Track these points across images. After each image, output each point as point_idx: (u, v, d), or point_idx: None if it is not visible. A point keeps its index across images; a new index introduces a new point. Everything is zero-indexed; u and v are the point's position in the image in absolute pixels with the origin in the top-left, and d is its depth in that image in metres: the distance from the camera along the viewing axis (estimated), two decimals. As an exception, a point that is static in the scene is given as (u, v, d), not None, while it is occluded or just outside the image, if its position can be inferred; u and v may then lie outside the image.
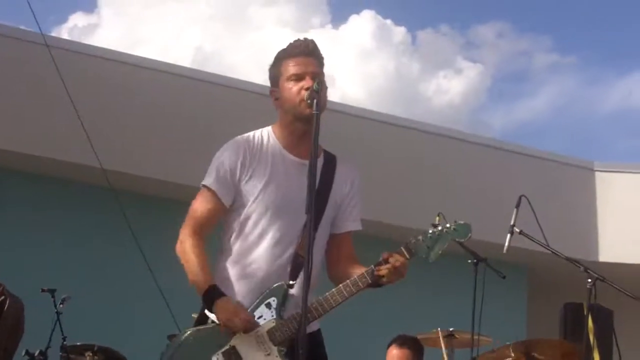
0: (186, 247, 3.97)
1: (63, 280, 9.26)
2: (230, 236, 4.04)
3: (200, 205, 4.03)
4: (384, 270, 3.84)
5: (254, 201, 3.98)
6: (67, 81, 9.36)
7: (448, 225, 3.98)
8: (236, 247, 4.01)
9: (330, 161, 4.12)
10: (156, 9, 26.47)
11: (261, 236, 3.96)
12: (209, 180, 4.03)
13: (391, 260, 3.85)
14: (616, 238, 13.56)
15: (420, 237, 3.94)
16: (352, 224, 4.18)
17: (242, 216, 4.00)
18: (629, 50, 26.44)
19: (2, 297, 7.34)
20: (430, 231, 3.96)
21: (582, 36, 27.36)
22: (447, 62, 28.76)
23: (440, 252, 3.94)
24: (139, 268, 9.45)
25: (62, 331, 8.45)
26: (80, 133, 9.30)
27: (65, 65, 9.79)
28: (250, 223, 3.98)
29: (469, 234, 3.98)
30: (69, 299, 8.66)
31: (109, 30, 25.30)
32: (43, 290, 8.56)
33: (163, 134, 11.63)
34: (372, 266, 3.88)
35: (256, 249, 3.96)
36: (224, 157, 4.04)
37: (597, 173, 14.11)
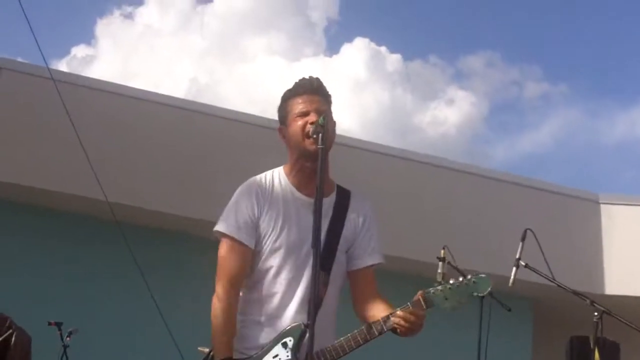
0: (218, 308, 3.91)
1: (70, 314, 9.28)
2: (249, 277, 4.04)
3: (228, 257, 3.97)
4: (397, 324, 3.79)
5: (267, 244, 3.98)
6: (72, 114, 9.40)
7: (469, 277, 3.88)
8: (254, 288, 4.02)
9: (344, 197, 4.10)
10: (151, 41, 26.69)
11: (277, 278, 3.96)
12: (228, 228, 3.98)
13: (406, 317, 3.78)
14: (622, 271, 13.52)
15: (439, 288, 3.86)
16: (369, 258, 4.11)
17: (258, 258, 4.00)
18: (630, 82, 26.56)
19: (10, 331, 7.35)
20: (451, 282, 3.87)
21: (571, 65, 27.50)
22: (438, 92, 28.88)
23: (458, 305, 3.85)
24: (144, 301, 9.45)
25: (68, 364, 8.47)
26: (85, 166, 9.32)
27: (70, 99, 9.83)
28: (266, 265, 3.98)
29: (489, 289, 3.87)
30: (76, 332, 8.68)
31: (106, 61, 25.53)
32: (50, 324, 8.58)
33: (168, 166, 11.65)
34: (388, 316, 3.83)
35: (273, 290, 3.96)
36: (240, 201, 4.02)
37: (602, 205, 14.07)
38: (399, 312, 3.79)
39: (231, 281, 3.94)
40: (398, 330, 3.81)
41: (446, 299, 3.85)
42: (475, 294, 3.89)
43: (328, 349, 3.82)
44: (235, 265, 3.95)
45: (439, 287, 3.86)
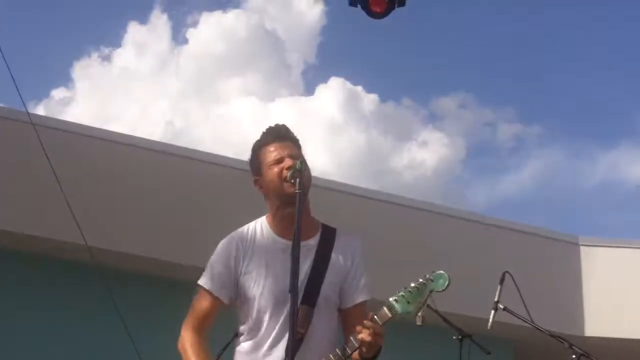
0: (184, 343, 4.07)
1: (48, 359, 9.21)
2: (240, 327, 4.13)
3: (198, 303, 4.13)
4: (362, 338, 3.83)
5: (253, 294, 4.02)
6: (51, 158, 9.38)
7: (426, 275, 3.97)
8: (245, 338, 4.08)
9: (328, 236, 4.14)
10: (128, 84, 26.75)
11: (266, 327, 4.01)
12: (203, 280, 4.11)
13: (361, 337, 3.83)
14: (601, 312, 13.55)
15: (400, 294, 3.93)
16: (359, 296, 4.17)
17: (246, 309, 4.06)
18: (608, 124, 26.78)
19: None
20: (412, 285, 3.94)
21: (545, 107, 27.70)
22: (413, 134, 28.96)
23: (421, 305, 3.91)
24: (124, 346, 9.40)
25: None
26: (64, 209, 9.30)
27: (50, 143, 9.82)
28: (254, 315, 4.03)
29: (447, 283, 3.96)
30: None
31: (83, 103, 25.59)
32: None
33: (148, 211, 11.61)
34: (353, 344, 3.88)
35: (262, 340, 4.01)
36: (217, 256, 4.12)
37: (581, 247, 14.11)
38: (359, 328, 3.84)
39: (194, 322, 4.09)
40: (363, 348, 3.84)
41: (408, 302, 3.91)
42: (435, 290, 3.96)
43: None
44: (201, 310, 4.09)
45: (400, 293, 3.93)
